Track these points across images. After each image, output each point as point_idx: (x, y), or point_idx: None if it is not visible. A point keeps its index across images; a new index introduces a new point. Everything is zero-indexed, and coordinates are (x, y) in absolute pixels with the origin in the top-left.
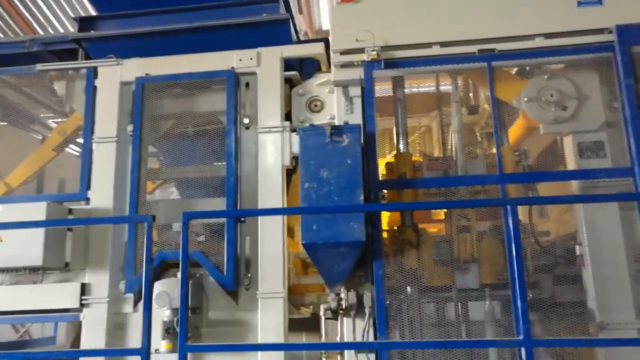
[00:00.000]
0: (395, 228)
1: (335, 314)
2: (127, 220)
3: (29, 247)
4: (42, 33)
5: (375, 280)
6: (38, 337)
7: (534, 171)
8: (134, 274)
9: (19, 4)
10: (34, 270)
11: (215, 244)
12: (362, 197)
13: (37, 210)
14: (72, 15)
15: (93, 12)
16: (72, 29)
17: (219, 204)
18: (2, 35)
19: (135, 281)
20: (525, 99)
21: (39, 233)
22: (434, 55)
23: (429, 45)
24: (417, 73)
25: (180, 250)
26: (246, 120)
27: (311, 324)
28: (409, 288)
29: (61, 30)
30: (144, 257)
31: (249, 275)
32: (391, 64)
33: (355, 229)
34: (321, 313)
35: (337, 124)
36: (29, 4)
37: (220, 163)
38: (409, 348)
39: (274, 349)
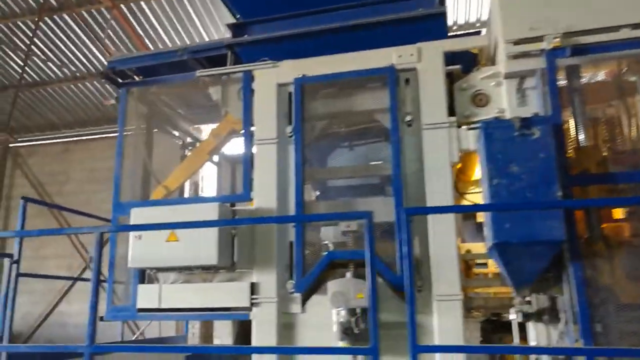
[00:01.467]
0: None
1: (527, 317)
2: (343, 217)
3: (204, 246)
4: (152, 48)
5: (576, 283)
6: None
7: None
8: (302, 274)
9: (132, 19)
10: (206, 269)
11: (381, 245)
12: (559, 193)
13: (210, 211)
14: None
15: (198, 22)
16: (178, 41)
17: (383, 203)
18: (116, 50)
19: (304, 281)
20: None
21: (213, 233)
22: (623, 40)
23: (616, 28)
24: (610, 59)
25: (400, 247)
26: (408, 118)
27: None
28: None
29: (169, 44)
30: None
31: (421, 276)
32: (579, 50)
33: (553, 227)
34: (512, 316)
35: (508, 117)
36: (142, 19)
37: (378, 162)
38: (619, 355)
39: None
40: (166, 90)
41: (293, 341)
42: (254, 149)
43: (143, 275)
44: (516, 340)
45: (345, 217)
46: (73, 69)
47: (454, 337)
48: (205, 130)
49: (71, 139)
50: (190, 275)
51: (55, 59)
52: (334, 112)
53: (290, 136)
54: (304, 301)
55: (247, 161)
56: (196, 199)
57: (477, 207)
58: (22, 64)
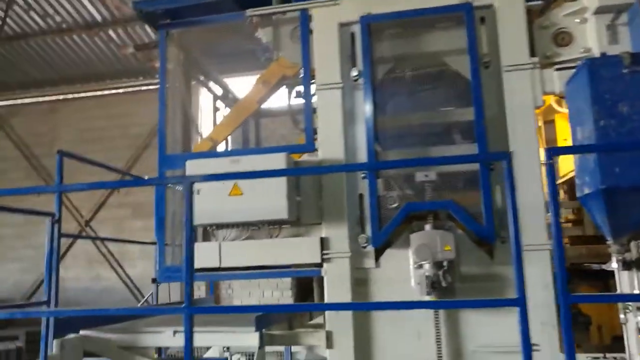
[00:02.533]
0: None
1: (627, 266)
2: (459, 161)
3: (272, 200)
4: None
5: None
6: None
7: None
8: (379, 227)
9: None
10: (272, 224)
11: (460, 195)
12: None
13: (276, 162)
14: None
15: None
16: None
17: (462, 151)
18: None
19: (381, 234)
20: None
21: (282, 185)
22: None
23: None
24: None
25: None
26: (485, 59)
27: None
28: None
29: None
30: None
31: (505, 227)
32: None
33: None
34: (613, 265)
35: (596, 56)
36: None
37: (449, 108)
38: None
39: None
40: (207, 34)
41: (367, 297)
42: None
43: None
44: (620, 289)
45: (465, 159)
46: (58, 19)
47: (542, 287)
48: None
49: (58, 98)
50: (253, 232)
51: (38, 8)
52: (401, 54)
53: (356, 80)
54: (377, 256)
55: (309, 108)
56: (258, 149)
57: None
58: (1, 14)
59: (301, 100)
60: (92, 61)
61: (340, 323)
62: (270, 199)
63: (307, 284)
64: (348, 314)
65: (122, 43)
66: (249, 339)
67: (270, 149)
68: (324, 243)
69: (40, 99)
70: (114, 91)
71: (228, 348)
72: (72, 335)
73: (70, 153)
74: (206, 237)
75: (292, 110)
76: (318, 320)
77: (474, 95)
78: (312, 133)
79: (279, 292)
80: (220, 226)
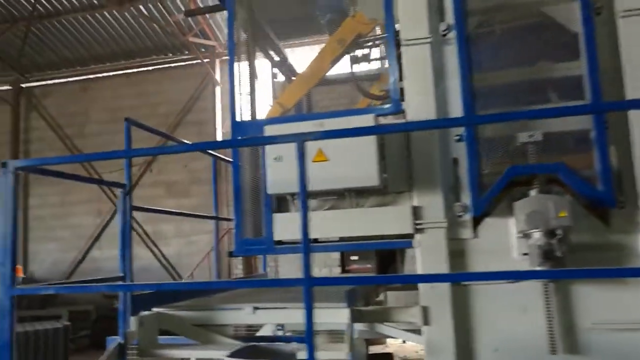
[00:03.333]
0: None
1: None
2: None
3: (361, 166)
4: None
5: None
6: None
7: None
8: (479, 194)
9: None
10: (358, 192)
11: (569, 157)
12: None
13: (365, 124)
14: None
15: None
16: None
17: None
18: None
19: (482, 202)
20: None
21: (372, 150)
22: None
23: None
24: None
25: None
26: (598, 4)
27: None
28: None
29: None
30: None
31: (623, 190)
32: None
33: None
34: None
35: None
36: None
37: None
38: None
39: None
40: None
41: (464, 270)
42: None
43: (277, 203)
44: None
45: (583, 110)
46: None
47: None
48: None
49: (89, 77)
50: (336, 201)
51: None
52: (494, 5)
53: (444, 35)
54: (474, 225)
55: (394, 66)
56: (343, 112)
57: None
58: None
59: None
60: (122, 38)
61: (438, 298)
62: (359, 165)
63: (386, 257)
64: (445, 288)
65: (151, 17)
66: (339, 315)
67: (356, 110)
68: (416, 212)
69: (71, 79)
70: (143, 69)
71: (282, 326)
72: (146, 313)
73: (135, 121)
74: (283, 208)
75: (355, 76)
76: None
77: (586, 44)
78: (398, 94)
79: (327, 269)
80: (310, 195)
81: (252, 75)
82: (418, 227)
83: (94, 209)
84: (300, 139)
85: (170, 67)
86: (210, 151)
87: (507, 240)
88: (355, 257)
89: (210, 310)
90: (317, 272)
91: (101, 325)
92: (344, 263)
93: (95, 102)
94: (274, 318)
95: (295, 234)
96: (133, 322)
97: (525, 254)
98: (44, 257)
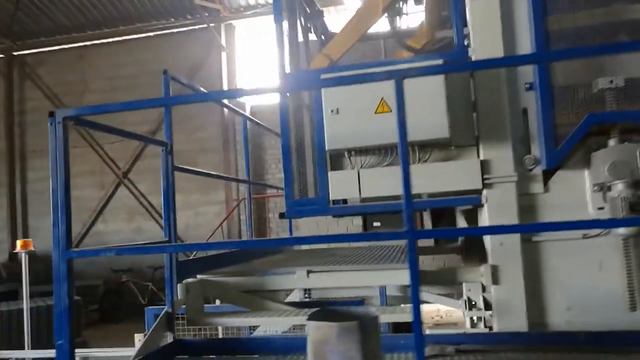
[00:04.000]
0: None
1: None
2: None
3: (429, 116)
4: None
5: None
6: None
7: None
8: (555, 146)
9: None
10: (422, 146)
11: None
12: None
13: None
14: None
15: None
16: None
17: None
18: None
19: (557, 154)
20: None
21: (440, 99)
22: None
23: None
24: None
25: None
26: None
27: None
28: None
29: None
30: None
31: None
32: None
33: None
34: None
35: None
36: None
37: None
38: None
39: None
40: None
41: None
42: None
43: (332, 161)
44: None
45: None
46: None
47: None
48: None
49: (85, 44)
50: (397, 157)
51: None
52: None
53: None
54: (545, 179)
55: (457, 9)
56: (410, 59)
57: None
58: None
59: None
60: (120, 1)
61: (507, 256)
62: (427, 115)
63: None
64: (516, 245)
65: None
66: (401, 276)
67: (424, 57)
68: (483, 166)
69: (67, 46)
70: (143, 35)
71: (309, 292)
72: (191, 280)
73: (174, 77)
74: (336, 166)
75: (398, 32)
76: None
77: None
78: (463, 38)
79: None
80: (361, 151)
81: (294, 27)
82: (486, 182)
83: (96, 181)
84: (399, 76)
85: (172, 32)
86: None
87: (581, 194)
88: (377, 224)
89: (259, 276)
90: None
91: (110, 300)
92: (366, 229)
93: (93, 70)
94: (329, 282)
95: (352, 192)
96: (180, 290)
97: (601, 208)
98: (44, 233)
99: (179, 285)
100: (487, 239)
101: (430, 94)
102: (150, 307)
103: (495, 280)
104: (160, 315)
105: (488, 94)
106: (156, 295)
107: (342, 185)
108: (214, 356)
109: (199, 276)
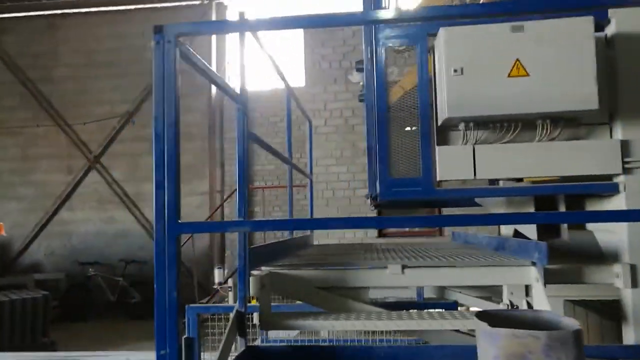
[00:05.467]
0: None
1: None
2: None
3: (574, 83)
4: None
5: None
6: None
7: None
8: None
9: None
10: (554, 120)
11: None
12: None
13: (580, 29)
14: None
15: None
16: None
17: None
18: None
19: None
20: None
21: (589, 63)
22: None
23: None
24: None
25: None
26: None
27: None
28: None
29: None
30: None
31: None
32: None
33: None
34: None
35: None
36: None
37: None
38: None
39: None
40: None
41: None
42: None
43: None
44: None
45: None
46: None
47: None
48: None
49: (57, 12)
50: (520, 133)
51: None
52: None
53: None
54: None
55: None
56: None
57: None
58: None
59: None
60: None
61: None
62: (570, 83)
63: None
64: None
65: None
66: (523, 274)
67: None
68: (622, 148)
69: (36, 13)
70: (124, 7)
71: None
72: (257, 272)
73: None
74: (443, 140)
75: None
76: None
77: None
78: None
79: (363, 232)
80: (479, 123)
81: None
82: (625, 165)
83: (63, 165)
84: None
85: (157, 7)
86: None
87: None
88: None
89: (339, 270)
90: (350, 235)
91: (74, 295)
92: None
93: (67, 42)
94: (428, 279)
95: (465, 173)
96: (253, 284)
97: None
98: (1, 218)
99: (251, 279)
100: (624, 234)
101: (577, 57)
102: (191, 305)
103: (634, 282)
104: (232, 316)
105: (632, 64)
106: (126, 292)
107: (452, 163)
108: None
109: (264, 268)
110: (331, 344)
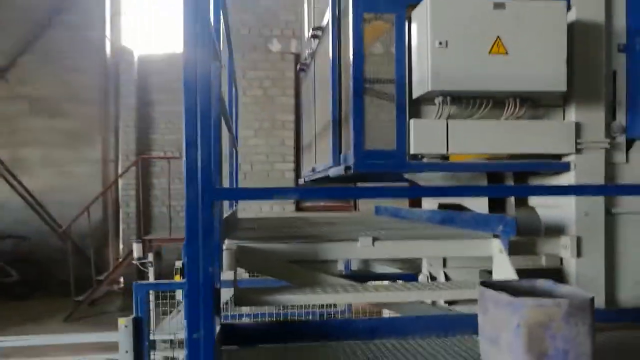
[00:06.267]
0: None
1: None
2: None
3: (546, 64)
4: None
5: None
6: None
7: None
8: None
9: None
10: (523, 100)
11: None
12: None
13: (554, 12)
14: None
15: None
16: None
17: None
18: None
19: None
20: None
21: (561, 46)
22: None
23: None
24: None
25: None
26: None
27: None
28: None
29: None
30: None
31: None
32: None
33: None
34: None
35: None
36: None
37: None
38: None
39: None
40: None
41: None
42: None
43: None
44: None
45: None
46: None
47: None
48: None
49: None
50: (490, 110)
51: None
52: None
53: None
54: (627, 149)
55: None
56: None
57: None
58: None
59: None
60: None
61: (591, 227)
62: (543, 63)
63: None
64: (600, 216)
65: None
66: (486, 246)
67: None
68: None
69: None
70: None
71: None
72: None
73: None
74: (416, 114)
75: None
76: None
77: None
78: None
79: (279, 206)
80: (453, 99)
81: None
82: (578, 146)
83: None
84: None
85: None
86: None
87: None
88: None
89: (310, 243)
90: (268, 208)
91: None
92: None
93: None
94: (400, 251)
95: (438, 147)
96: (226, 259)
97: None
98: None
99: (225, 253)
100: (572, 208)
101: (550, 37)
102: (139, 282)
103: (578, 252)
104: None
105: (587, 50)
106: (2, 271)
107: (425, 136)
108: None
109: (227, 242)
110: (301, 317)
